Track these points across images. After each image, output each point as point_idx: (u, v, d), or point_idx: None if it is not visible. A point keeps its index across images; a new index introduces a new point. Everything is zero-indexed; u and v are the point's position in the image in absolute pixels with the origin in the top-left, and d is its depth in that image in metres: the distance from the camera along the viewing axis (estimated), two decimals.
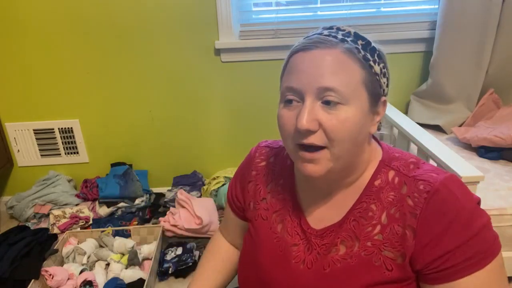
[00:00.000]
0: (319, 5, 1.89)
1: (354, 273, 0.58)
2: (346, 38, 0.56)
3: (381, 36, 1.84)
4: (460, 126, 1.78)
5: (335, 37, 0.55)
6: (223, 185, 2.00)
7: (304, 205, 0.67)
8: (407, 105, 2.01)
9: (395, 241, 0.56)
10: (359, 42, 0.56)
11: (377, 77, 0.57)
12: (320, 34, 0.57)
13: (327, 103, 0.53)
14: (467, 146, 1.62)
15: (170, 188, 2.10)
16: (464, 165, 1.07)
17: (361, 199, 0.61)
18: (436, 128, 1.81)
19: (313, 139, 0.54)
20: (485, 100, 1.74)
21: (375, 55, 0.57)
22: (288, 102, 0.56)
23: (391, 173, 0.60)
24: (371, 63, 0.56)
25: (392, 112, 1.60)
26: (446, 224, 0.53)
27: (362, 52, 0.55)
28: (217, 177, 2.06)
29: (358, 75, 0.55)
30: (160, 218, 1.81)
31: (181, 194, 1.88)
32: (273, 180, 0.72)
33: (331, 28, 0.58)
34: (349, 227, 0.60)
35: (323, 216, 0.64)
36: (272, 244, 0.67)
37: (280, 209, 0.69)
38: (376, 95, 0.57)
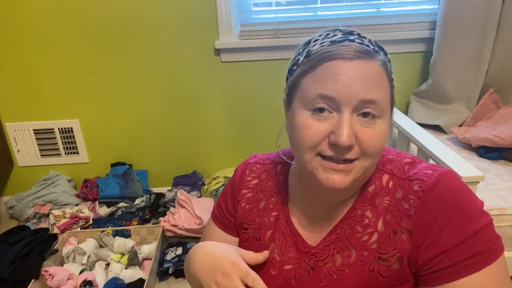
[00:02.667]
0: (319, 5, 1.89)
1: (350, 283, 0.57)
2: (374, 47, 0.54)
3: (381, 36, 1.85)
4: (460, 126, 1.78)
5: (368, 46, 0.53)
6: (223, 185, 2.00)
7: (298, 222, 0.65)
8: (407, 105, 2.01)
9: (392, 248, 0.55)
10: (381, 52, 0.55)
11: (393, 88, 0.57)
12: (352, 41, 0.53)
13: (364, 115, 0.51)
14: (467, 146, 1.62)
15: (170, 188, 2.10)
16: (464, 165, 1.07)
17: (355, 207, 0.59)
18: (436, 128, 1.81)
19: (348, 155, 0.51)
20: (485, 100, 1.74)
21: (390, 66, 0.56)
22: (319, 110, 0.52)
23: (385, 177, 0.59)
24: (393, 76, 0.56)
25: None
26: (442, 222, 0.51)
27: (389, 65, 0.55)
28: (217, 177, 2.06)
29: (388, 89, 0.54)
30: (160, 218, 1.81)
31: (181, 194, 1.88)
32: (265, 198, 0.69)
33: (351, 33, 0.55)
34: (344, 236, 0.59)
35: (318, 230, 0.62)
36: (266, 264, 0.65)
37: (273, 228, 0.66)
38: (393, 106, 0.58)
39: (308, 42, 0.57)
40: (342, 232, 0.59)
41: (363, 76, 0.50)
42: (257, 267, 0.64)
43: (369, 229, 0.57)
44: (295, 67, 0.57)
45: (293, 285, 0.61)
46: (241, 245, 0.70)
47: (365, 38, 0.55)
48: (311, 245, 0.62)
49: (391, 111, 0.57)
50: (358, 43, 0.52)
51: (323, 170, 0.53)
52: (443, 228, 0.51)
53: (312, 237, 0.63)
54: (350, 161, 0.52)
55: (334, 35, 0.54)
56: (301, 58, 0.56)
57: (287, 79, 0.59)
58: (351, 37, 0.54)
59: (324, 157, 0.53)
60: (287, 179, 0.69)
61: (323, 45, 0.53)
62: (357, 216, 0.58)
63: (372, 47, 0.53)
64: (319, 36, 0.56)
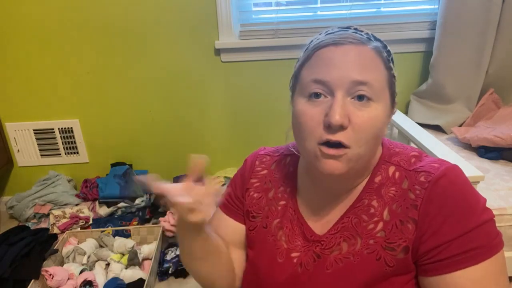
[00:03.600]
0: (319, 5, 1.89)
1: (355, 270, 0.58)
2: (370, 38, 0.56)
3: (381, 36, 1.82)
4: (460, 126, 1.78)
5: (361, 35, 0.55)
6: (223, 185, 2.00)
7: (306, 211, 0.66)
8: (407, 105, 2.01)
9: (398, 238, 0.56)
10: (379, 43, 0.56)
11: (394, 79, 0.58)
12: (346, 31, 0.56)
13: (359, 98, 0.52)
14: (467, 146, 1.62)
15: None
16: (464, 165, 1.07)
17: (361, 197, 0.60)
18: (436, 128, 1.81)
19: (341, 137, 0.52)
20: (485, 100, 1.74)
21: (391, 58, 0.58)
22: (315, 96, 0.54)
23: (392, 169, 0.60)
24: (391, 65, 0.57)
25: None
26: (444, 214, 0.52)
27: (385, 53, 0.56)
28: (217, 177, 2.06)
29: (384, 74, 0.55)
30: (160, 218, 1.81)
31: None
32: (274, 187, 0.71)
33: (348, 28, 0.57)
34: (351, 225, 0.60)
35: (325, 219, 0.63)
36: (273, 252, 0.66)
37: (281, 216, 0.68)
38: (394, 96, 0.58)
39: (311, 41, 0.59)
40: (348, 221, 0.60)
41: (353, 59, 0.52)
42: (265, 256, 0.67)
43: (375, 218, 0.58)
44: (297, 63, 0.60)
45: (299, 272, 0.63)
46: (249, 233, 0.71)
47: (362, 31, 0.57)
48: (318, 234, 0.63)
49: (393, 102, 0.58)
50: (352, 32, 0.55)
51: (321, 157, 0.55)
52: (445, 220, 0.52)
53: (319, 226, 0.64)
54: (344, 146, 0.53)
55: (332, 30, 0.58)
56: (302, 53, 0.59)
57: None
58: (347, 29, 0.57)
59: (322, 145, 0.54)
60: (296, 170, 0.70)
61: (319, 39, 0.56)
62: (364, 205, 0.60)
63: (366, 37, 0.55)
64: (320, 34, 0.59)
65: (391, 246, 0.56)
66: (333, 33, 0.56)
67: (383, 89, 0.55)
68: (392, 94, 0.58)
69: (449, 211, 0.52)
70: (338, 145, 0.53)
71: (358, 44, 0.53)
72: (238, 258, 0.74)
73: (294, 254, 0.64)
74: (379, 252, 0.57)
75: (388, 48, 0.58)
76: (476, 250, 0.51)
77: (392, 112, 0.59)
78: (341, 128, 0.52)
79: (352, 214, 0.60)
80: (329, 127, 0.52)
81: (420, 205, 0.54)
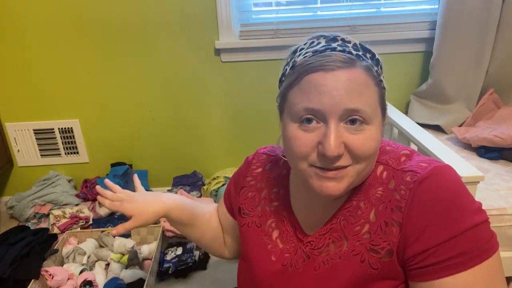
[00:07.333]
0: (319, 5, 1.89)
1: (341, 272, 0.58)
2: (358, 52, 0.53)
3: (381, 36, 1.85)
4: (460, 126, 1.78)
5: (350, 52, 0.53)
6: (223, 185, 2.00)
7: (298, 213, 0.67)
8: (407, 105, 2.01)
9: (382, 240, 0.54)
10: (368, 55, 0.54)
11: (384, 90, 0.56)
12: (333, 49, 0.53)
13: (352, 122, 0.52)
14: (467, 146, 1.62)
15: (170, 188, 2.10)
16: (464, 165, 1.06)
17: (350, 198, 0.60)
18: (436, 128, 1.81)
19: (339, 163, 0.52)
20: (485, 100, 1.74)
21: (379, 66, 0.56)
22: (307, 121, 0.53)
23: (380, 168, 0.58)
24: (381, 77, 0.55)
25: (392, 112, 1.60)
26: (430, 217, 0.50)
27: (375, 68, 0.54)
28: (217, 177, 2.06)
29: (375, 94, 0.54)
30: (161, 218, 1.80)
31: (181, 194, 1.88)
32: (268, 187, 0.72)
33: (335, 39, 0.55)
34: (339, 227, 0.60)
35: (317, 221, 0.64)
36: (265, 251, 0.67)
37: (275, 217, 0.69)
38: (384, 108, 0.57)
39: (295, 51, 0.57)
40: (337, 222, 0.60)
41: (345, 85, 0.50)
42: (257, 254, 0.68)
43: (361, 219, 0.58)
44: (283, 78, 0.58)
45: (289, 272, 0.63)
46: (241, 230, 0.73)
47: (350, 42, 0.55)
48: (309, 235, 0.64)
49: (384, 115, 0.57)
50: (340, 51, 0.52)
51: (316, 179, 0.54)
52: (430, 223, 0.50)
53: (311, 227, 0.64)
54: (343, 167, 0.53)
55: (318, 43, 0.55)
56: (288, 69, 0.57)
57: (279, 87, 0.60)
58: (334, 45, 0.54)
59: (316, 166, 0.54)
60: (288, 173, 0.71)
61: (306, 56, 0.54)
62: (352, 207, 0.59)
63: (355, 52, 0.53)
64: (304, 44, 0.57)
65: (375, 248, 0.55)
66: (320, 52, 0.53)
67: (375, 111, 0.53)
68: (383, 108, 0.56)
69: (434, 215, 0.50)
70: (337, 167, 0.53)
71: (349, 67, 0.51)
72: (228, 242, 0.86)
73: (287, 255, 0.65)
74: (364, 254, 0.56)
75: (377, 57, 0.56)
76: (464, 256, 0.48)
77: (384, 123, 0.58)
78: (339, 157, 0.52)
79: (340, 216, 0.60)
80: (324, 156, 0.52)
81: (404, 207, 0.52)
